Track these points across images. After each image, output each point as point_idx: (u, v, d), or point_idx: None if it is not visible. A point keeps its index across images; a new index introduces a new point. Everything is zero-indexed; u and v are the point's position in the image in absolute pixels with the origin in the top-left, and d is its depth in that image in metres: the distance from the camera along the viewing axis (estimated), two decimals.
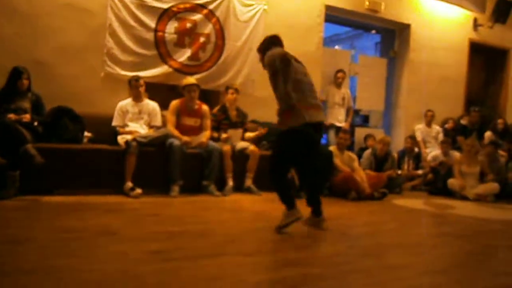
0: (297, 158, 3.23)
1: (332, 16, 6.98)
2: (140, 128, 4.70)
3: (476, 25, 8.20)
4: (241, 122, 5.25)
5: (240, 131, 5.18)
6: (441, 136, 7.24)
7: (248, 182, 4.94)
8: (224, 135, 5.02)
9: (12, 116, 4.02)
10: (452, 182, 5.89)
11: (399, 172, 6.19)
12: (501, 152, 6.88)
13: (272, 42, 3.36)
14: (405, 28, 7.61)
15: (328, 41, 14.88)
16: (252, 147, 5.02)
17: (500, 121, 7.63)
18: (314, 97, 3.22)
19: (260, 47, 3.44)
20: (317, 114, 3.15)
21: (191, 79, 5.03)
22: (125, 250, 2.46)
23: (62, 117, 4.41)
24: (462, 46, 8.18)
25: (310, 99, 3.16)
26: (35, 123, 4.17)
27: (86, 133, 4.62)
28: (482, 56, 8.75)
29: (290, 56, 3.12)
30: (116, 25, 5.18)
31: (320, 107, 3.26)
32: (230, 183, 4.79)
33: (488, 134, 7.35)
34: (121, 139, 4.46)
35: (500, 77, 8.91)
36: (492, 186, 5.78)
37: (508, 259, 2.97)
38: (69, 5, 4.97)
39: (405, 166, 6.58)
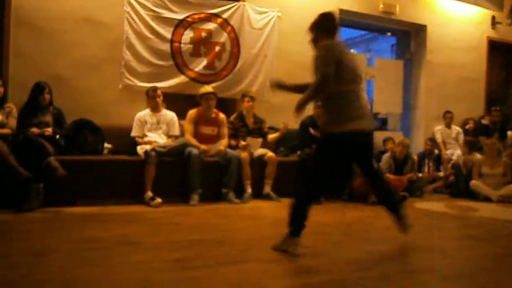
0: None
1: (347, 20, 6.95)
2: (158, 138, 4.76)
3: (494, 23, 8.06)
4: (259, 128, 5.27)
5: (259, 139, 5.18)
6: (461, 137, 7.11)
7: (267, 189, 4.94)
8: (243, 143, 5.04)
9: (35, 130, 4.12)
10: (474, 184, 5.78)
11: (420, 174, 6.11)
12: None
13: (328, 28, 3.09)
14: (421, 29, 7.53)
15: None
16: (270, 153, 5.03)
17: None
18: None
19: (312, 26, 3.23)
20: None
21: (208, 88, 5.08)
22: (146, 259, 2.49)
23: (83, 129, 4.51)
24: (481, 45, 8.05)
25: None
26: (57, 136, 4.27)
27: (106, 145, 4.70)
28: (502, 54, 8.58)
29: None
30: (132, 37, 5.28)
31: None
32: (249, 190, 4.80)
33: (510, 133, 7.19)
34: (140, 149, 4.52)
35: None
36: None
37: None
38: (86, 19, 5.09)
39: (426, 169, 6.49)
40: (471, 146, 6.36)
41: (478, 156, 6.27)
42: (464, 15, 7.79)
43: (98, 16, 5.15)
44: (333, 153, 2.81)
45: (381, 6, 6.93)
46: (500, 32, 8.17)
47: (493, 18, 8.03)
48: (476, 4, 7.66)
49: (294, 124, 5.58)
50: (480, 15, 7.94)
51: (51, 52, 4.96)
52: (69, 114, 4.60)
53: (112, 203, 4.19)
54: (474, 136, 7.03)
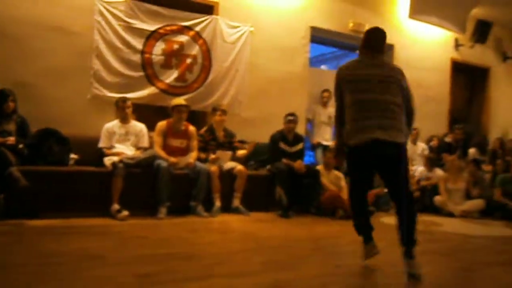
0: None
1: (318, 37, 7.10)
2: (127, 150, 4.69)
3: (457, 45, 8.42)
4: (229, 142, 5.27)
5: (229, 153, 5.18)
6: (426, 154, 7.33)
7: (236, 202, 4.93)
8: (212, 156, 5.02)
9: None
10: (438, 199, 5.95)
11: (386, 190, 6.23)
12: (486, 167, 7.00)
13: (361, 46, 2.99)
14: (388, 48, 7.76)
15: (315, 61, 15.07)
16: (239, 167, 5.03)
17: (484, 138, 7.78)
18: None
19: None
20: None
21: (181, 100, 5.05)
22: (112, 274, 2.43)
23: (48, 139, 4.39)
24: (445, 66, 8.38)
25: None
26: (20, 146, 4.13)
27: (72, 155, 4.58)
28: (464, 75, 8.96)
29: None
30: (103, 47, 5.21)
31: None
32: (218, 203, 4.77)
33: (472, 150, 7.48)
34: (107, 160, 4.43)
35: (482, 95, 9.11)
36: (477, 203, 5.85)
37: (494, 275, 2.99)
38: (56, 27, 4.99)
39: None
40: (431, 163, 6.57)
41: (439, 172, 6.47)
42: (429, 37, 8.10)
43: (68, 24, 5.06)
44: (349, 166, 3.01)
45: (351, 24, 7.12)
46: (463, 54, 8.54)
47: (456, 40, 8.39)
48: (441, 26, 7.97)
49: (264, 138, 5.64)
50: (445, 37, 8.28)
51: (17, 59, 4.83)
52: (35, 123, 4.48)
53: (77, 216, 4.06)
54: (438, 153, 7.27)
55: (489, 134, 8.49)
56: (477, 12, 8.17)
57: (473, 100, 9.20)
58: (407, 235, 2.67)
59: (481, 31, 8.37)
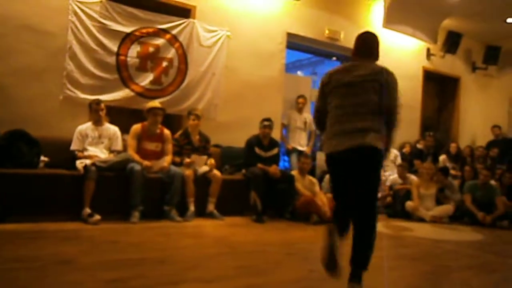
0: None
1: (294, 43, 7.17)
2: (100, 153, 4.61)
3: (429, 54, 8.65)
4: (204, 147, 5.24)
5: (204, 157, 5.14)
6: (399, 160, 7.48)
7: (211, 207, 4.91)
8: (187, 160, 4.97)
9: None
10: (410, 205, 6.08)
11: None
12: (454, 172, 7.19)
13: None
14: None
15: (291, 67, 15.25)
16: (214, 171, 5.01)
17: (453, 145, 8.00)
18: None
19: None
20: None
21: (156, 103, 4.99)
22: (81, 279, 2.38)
23: (17, 141, 4.26)
24: (417, 74, 8.58)
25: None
26: None
27: (43, 158, 4.47)
28: (436, 84, 9.21)
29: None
30: (76, 47, 5.11)
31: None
32: (192, 208, 4.73)
33: (442, 157, 7.67)
34: (79, 163, 4.34)
35: (452, 103, 9.38)
36: (447, 208, 6.00)
37: (461, 278, 3.07)
38: (27, 26, 4.87)
39: None
40: (403, 171, 6.70)
41: (413, 177, 6.62)
42: (403, 46, 8.28)
43: (41, 24, 4.95)
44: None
45: (327, 32, 7.22)
46: (435, 64, 8.77)
47: (428, 50, 8.62)
48: (414, 36, 8.18)
49: (239, 142, 5.65)
50: (417, 46, 8.49)
51: None
52: (4, 124, 4.36)
53: (47, 220, 3.95)
54: (410, 159, 7.43)
55: (458, 142, 8.72)
56: (448, 23, 8.42)
57: (443, 108, 9.46)
58: (362, 256, 2.44)
59: (452, 42, 8.63)
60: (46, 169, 4.41)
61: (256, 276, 2.71)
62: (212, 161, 5.10)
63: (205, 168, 5.00)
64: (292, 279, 2.71)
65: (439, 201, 6.11)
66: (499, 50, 9.08)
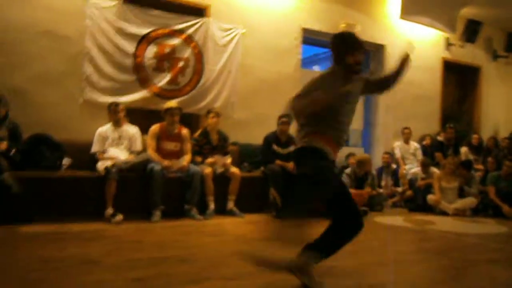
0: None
1: (309, 38, 7.13)
2: (120, 154, 4.69)
3: (448, 44, 8.48)
4: (222, 146, 5.27)
5: (226, 157, 5.16)
6: (419, 153, 7.38)
7: (230, 205, 4.94)
8: (210, 160, 5.00)
9: None
10: (431, 198, 6.00)
11: (380, 190, 6.27)
12: (477, 166, 7.06)
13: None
14: (380, 48, 7.82)
15: (308, 62, 15.13)
16: (233, 169, 5.04)
17: (475, 136, 7.85)
18: None
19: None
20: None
21: (173, 103, 5.05)
22: (107, 279, 2.43)
23: (40, 144, 4.39)
24: (436, 65, 8.44)
25: None
26: (12, 151, 4.12)
27: (65, 160, 4.58)
28: (455, 74, 9.03)
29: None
30: (94, 51, 5.20)
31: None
32: (212, 206, 4.78)
33: (464, 149, 7.54)
34: (101, 165, 4.43)
35: (473, 93, 9.19)
36: (470, 201, 5.90)
37: (485, 272, 3.03)
38: (46, 32, 4.98)
39: (384, 183, 6.68)
40: (425, 165, 6.61)
41: (435, 170, 6.52)
42: (420, 37, 8.15)
43: (59, 29, 5.05)
44: None
45: (342, 25, 7.15)
46: (454, 53, 8.61)
47: (447, 40, 8.45)
48: (432, 26, 8.02)
49: (257, 139, 5.66)
50: (435, 37, 8.34)
51: (8, 64, 4.81)
52: (27, 129, 4.47)
53: (71, 221, 4.05)
54: (431, 152, 7.32)
55: (480, 133, 8.55)
56: (467, 12, 8.23)
57: (464, 99, 9.27)
58: (330, 244, 2.52)
59: (471, 31, 8.45)
60: (68, 171, 4.52)
61: (276, 273, 2.72)
62: (228, 160, 5.11)
63: (221, 169, 5.01)
64: (314, 274, 2.70)
65: (461, 194, 6.02)
66: None
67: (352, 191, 5.54)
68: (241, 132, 5.98)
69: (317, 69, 14.26)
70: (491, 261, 3.38)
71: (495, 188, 6.02)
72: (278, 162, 5.23)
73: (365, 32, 7.42)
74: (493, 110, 9.24)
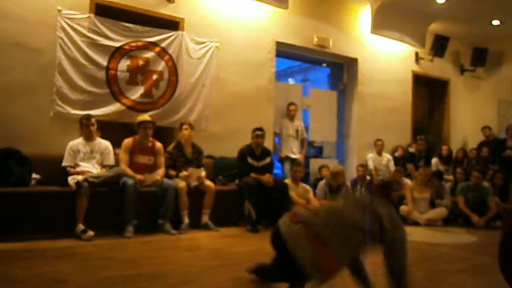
0: None
1: (283, 51, 7.21)
2: (92, 168, 4.60)
3: (417, 58, 8.74)
4: (197, 158, 5.23)
5: (201, 169, 5.11)
6: (392, 164, 7.52)
7: (205, 219, 4.90)
8: (184, 173, 4.95)
9: None
10: (404, 209, 6.10)
11: None
12: (447, 177, 7.24)
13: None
14: (352, 62, 7.98)
15: (283, 74, 15.31)
16: (208, 182, 5.01)
17: (444, 147, 8.06)
18: None
19: None
20: None
21: (146, 116, 4.99)
22: None
23: (8, 159, 4.25)
24: (406, 78, 8.66)
25: None
26: None
27: (34, 175, 4.45)
28: (425, 87, 9.30)
29: None
30: (65, 63, 5.11)
31: None
32: (186, 220, 4.72)
33: (434, 160, 7.72)
34: (71, 179, 4.32)
35: (442, 106, 9.47)
36: (441, 211, 6.03)
37: (456, 282, 3.09)
38: (16, 44, 4.85)
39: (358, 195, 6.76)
40: (399, 175, 6.73)
41: (407, 181, 6.65)
42: (391, 51, 8.37)
43: (29, 41, 4.94)
44: None
45: (315, 39, 7.27)
46: (423, 67, 8.86)
47: (417, 54, 8.71)
48: (402, 41, 8.27)
49: (232, 152, 5.66)
50: (406, 51, 8.57)
51: None
52: None
53: (40, 238, 3.93)
54: (403, 163, 7.47)
55: (449, 144, 8.79)
56: (435, 27, 8.52)
57: (434, 111, 9.54)
58: None
59: (440, 45, 8.72)
60: (38, 186, 4.39)
61: None
62: (203, 173, 5.08)
63: (195, 183, 4.97)
64: None
65: (433, 204, 6.14)
66: (486, 52, 9.19)
67: (326, 203, 5.59)
68: (216, 145, 5.97)
69: (291, 82, 14.41)
70: (461, 271, 3.46)
71: (464, 198, 6.18)
72: (253, 175, 5.24)
73: (337, 46, 7.58)
74: (461, 122, 9.53)
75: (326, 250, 2.24)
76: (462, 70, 9.52)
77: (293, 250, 2.25)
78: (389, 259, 2.36)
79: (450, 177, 7.27)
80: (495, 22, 8.32)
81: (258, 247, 4.12)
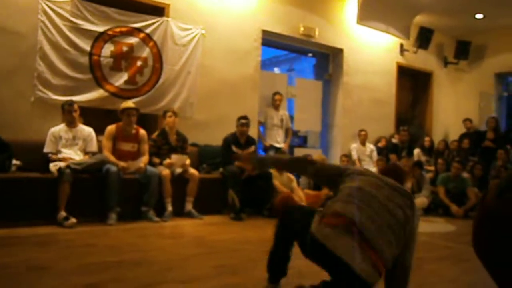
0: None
1: (269, 40, 7.19)
2: (74, 155, 4.54)
3: (402, 50, 8.80)
4: (181, 146, 5.21)
5: (185, 157, 5.10)
6: (375, 154, 7.61)
7: (189, 206, 4.90)
8: (168, 161, 4.93)
9: None
10: None
11: None
12: (428, 168, 7.37)
13: None
14: (338, 52, 8.00)
15: (268, 63, 15.24)
16: (192, 170, 5.00)
17: (427, 138, 8.19)
18: None
19: None
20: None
21: (130, 103, 4.94)
22: (57, 285, 2.36)
23: None
24: (391, 70, 8.73)
25: None
26: None
27: (15, 161, 4.37)
28: (409, 79, 9.39)
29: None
30: (47, 48, 5.00)
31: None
32: (170, 208, 4.72)
33: (416, 151, 7.84)
34: (53, 166, 4.26)
35: (425, 97, 9.58)
36: (421, 201, 6.14)
37: (434, 270, 3.16)
38: None
39: None
40: (382, 164, 6.82)
41: None
42: (376, 42, 8.41)
43: (9, 24, 4.80)
44: None
45: (302, 29, 7.26)
46: (407, 59, 8.94)
47: (401, 45, 8.76)
48: (387, 32, 8.31)
49: (216, 140, 5.65)
50: (390, 42, 8.63)
51: None
52: None
53: (21, 225, 3.87)
54: (386, 153, 7.57)
55: (431, 135, 8.93)
56: (420, 19, 8.58)
57: (417, 103, 9.65)
58: None
59: (424, 38, 8.79)
60: (18, 172, 4.31)
61: (234, 275, 2.73)
62: (187, 161, 5.07)
63: (179, 170, 4.96)
64: None
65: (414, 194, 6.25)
66: (469, 45, 9.30)
67: (310, 192, 5.64)
68: (200, 133, 5.95)
69: (277, 71, 14.39)
70: (440, 259, 3.54)
71: (444, 189, 6.30)
72: (237, 163, 5.24)
73: (323, 36, 7.59)
74: (444, 114, 9.67)
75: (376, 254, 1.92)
76: (446, 63, 9.64)
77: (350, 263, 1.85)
78: (405, 262, 2.18)
79: (432, 167, 7.39)
80: (479, 16, 8.42)
81: (241, 235, 4.15)
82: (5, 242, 3.38)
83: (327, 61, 8.27)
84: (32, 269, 2.65)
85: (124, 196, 4.44)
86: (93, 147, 4.71)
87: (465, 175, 6.60)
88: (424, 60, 9.23)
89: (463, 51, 9.34)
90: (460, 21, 8.76)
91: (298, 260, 2.30)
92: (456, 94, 9.84)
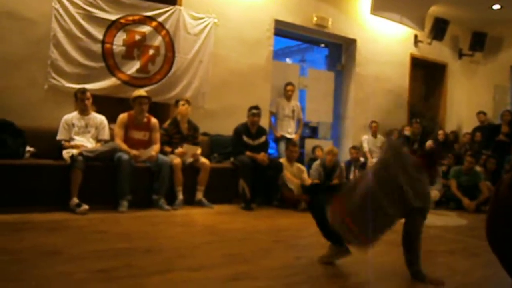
0: None
1: (282, 30, 7.14)
2: (87, 142, 4.58)
3: (416, 41, 8.67)
4: (193, 135, 5.22)
5: (196, 147, 5.09)
6: None
7: (199, 195, 4.92)
8: (180, 150, 4.95)
9: None
10: None
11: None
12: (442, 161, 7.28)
13: None
14: (351, 43, 7.91)
15: (280, 54, 15.17)
16: (203, 160, 5.01)
17: (440, 132, 8.09)
18: None
19: None
20: None
21: (142, 91, 4.95)
22: (69, 270, 2.39)
23: (1, 131, 4.21)
24: (404, 61, 8.62)
25: None
26: None
27: (28, 148, 4.42)
28: (423, 70, 9.26)
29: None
30: (61, 35, 5.03)
31: None
32: (181, 196, 4.74)
33: (429, 143, 7.75)
34: (66, 153, 4.31)
35: (438, 90, 9.45)
36: (433, 194, 6.07)
37: (445, 263, 3.14)
38: (8, 13, 4.76)
39: (352, 176, 6.80)
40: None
41: None
42: (390, 33, 8.30)
43: (23, 11, 4.84)
44: None
45: (315, 19, 7.19)
46: (422, 50, 8.81)
47: (416, 36, 8.64)
48: (401, 23, 8.18)
49: (227, 130, 5.66)
50: (404, 33, 8.50)
51: None
52: None
53: (34, 211, 3.92)
54: None
55: (445, 128, 8.82)
56: (435, 10, 8.44)
57: (430, 95, 9.53)
58: None
59: (439, 29, 8.65)
60: (32, 159, 4.37)
61: (243, 264, 2.74)
62: (199, 150, 5.08)
63: (190, 160, 4.97)
64: (279, 266, 2.74)
65: None
66: (485, 37, 9.14)
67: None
68: (212, 123, 5.95)
69: (289, 61, 14.31)
70: (450, 252, 3.52)
71: (456, 182, 6.23)
72: (248, 153, 5.24)
73: (337, 26, 7.51)
74: (457, 106, 9.54)
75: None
76: (461, 55, 9.48)
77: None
78: (406, 227, 2.67)
79: (445, 161, 7.31)
80: (496, 7, 8.25)
81: (251, 225, 4.16)
82: (18, 227, 3.43)
83: (339, 52, 8.19)
84: (44, 254, 2.69)
85: (135, 184, 4.47)
86: (105, 135, 4.74)
87: (478, 168, 6.52)
88: (438, 51, 9.09)
89: (479, 42, 9.17)
90: (477, 12, 8.59)
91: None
92: (470, 86, 9.69)
